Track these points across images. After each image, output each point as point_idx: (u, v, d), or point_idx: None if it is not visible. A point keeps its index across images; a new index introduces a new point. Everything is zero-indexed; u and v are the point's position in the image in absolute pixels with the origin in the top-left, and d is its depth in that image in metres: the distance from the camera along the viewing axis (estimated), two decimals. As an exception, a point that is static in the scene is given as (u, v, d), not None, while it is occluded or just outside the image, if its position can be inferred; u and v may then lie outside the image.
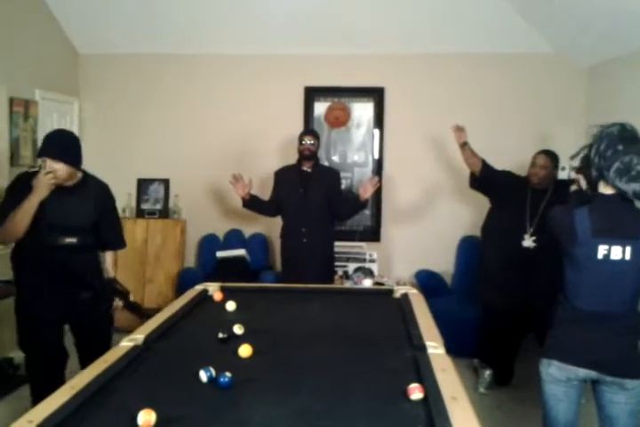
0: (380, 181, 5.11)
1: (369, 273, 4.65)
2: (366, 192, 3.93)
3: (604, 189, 2.14)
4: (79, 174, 2.97)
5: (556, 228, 2.21)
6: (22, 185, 2.82)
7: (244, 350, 2.15)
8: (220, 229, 5.15)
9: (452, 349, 4.13)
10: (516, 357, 4.00)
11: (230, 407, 1.74)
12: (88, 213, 2.96)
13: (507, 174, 4.04)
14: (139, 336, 2.27)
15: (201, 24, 4.87)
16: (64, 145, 2.87)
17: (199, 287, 3.12)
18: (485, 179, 4.03)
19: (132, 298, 3.26)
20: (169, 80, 5.23)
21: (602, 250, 2.09)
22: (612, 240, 2.09)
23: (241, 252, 4.86)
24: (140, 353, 2.13)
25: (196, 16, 4.81)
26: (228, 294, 2.98)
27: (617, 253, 2.08)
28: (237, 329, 2.39)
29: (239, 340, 2.27)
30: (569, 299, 2.20)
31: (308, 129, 4.72)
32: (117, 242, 3.22)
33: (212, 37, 4.99)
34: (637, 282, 2.13)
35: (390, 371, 2.04)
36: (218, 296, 2.94)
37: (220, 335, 2.32)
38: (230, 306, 2.77)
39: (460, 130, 4.04)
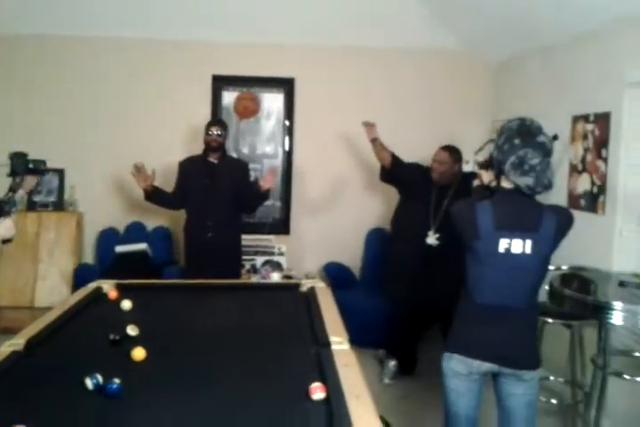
0: (290, 172, 5.10)
1: (277, 266, 4.57)
2: (267, 182, 3.83)
3: (505, 184, 2.16)
4: None
5: (458, 222, 2.20)
6: None
7: (137, 353, 2.03)
8: (121, 222, 4.88)
9: (359, 340, 4.12)
10: (419, 346, 4.05)
11: (118, 418, 1.60)
12: None
13: (415, 168, 4.09)
14: (19, 341, 2.08)
15: (103, 4, 4.57)
16: None
17: (93, 285, 2.94)
18: (395, 172, 4.08)
19: None
20: (68, 64, 4.89)
21: (503, 244, 2.10)
22: (513, 234, 2.09)
23: (142, 246, 4.62)
24: (19, 360, 1.94)
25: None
26: (125, 291, 2.83)
27: (518, 246, 2.09)
28: (131, 330, 2.25)
29: (133, 342, 2.13)
30: (470, 294, 2.20)
31: (216, 119, 4.53)
32: None
33: (116, 19, 4.69)
34: (537, 276, 2.16)
35: (294, 369, 1.99)
36: (113, 294, 2.78)
37: (112, 337, 2.16)
38: (126, 305, 2.62)
39: (370, 126, 4.06)
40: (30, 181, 2.53)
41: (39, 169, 2.72)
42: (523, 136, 2.09)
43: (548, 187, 2.09)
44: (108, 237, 4.81)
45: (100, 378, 1.77)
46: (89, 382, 1.75)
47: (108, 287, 2.88)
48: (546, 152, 2.09)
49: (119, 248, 4.64)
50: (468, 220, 2.14)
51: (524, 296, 2.15)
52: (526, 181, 2.06)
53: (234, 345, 2.23)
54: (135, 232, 4.85)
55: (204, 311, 2.68)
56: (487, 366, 2.16)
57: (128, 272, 4.10)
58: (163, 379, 1.89)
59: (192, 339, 2.29)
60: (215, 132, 3.92)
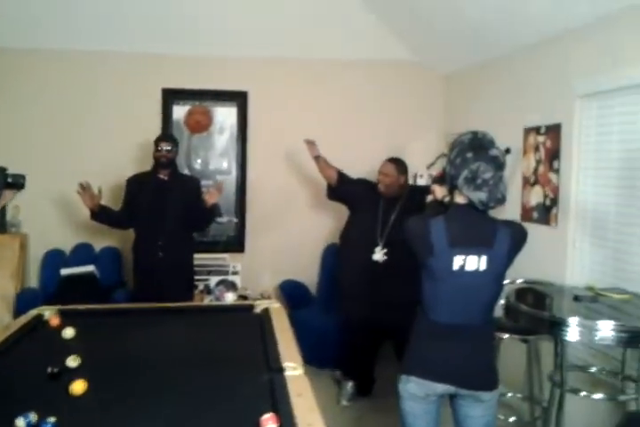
0: (245, 189, 5.00)
1: (232, 286, 4.45)
2: (211, 197, 3.73)
3: (459, 199, 2.12)
4: None
5: (412, 239, 2.15)
6: None
7: (77, 387, 1.91)
8: (67, 243, 4.68)
9: (315, 361, 4.12)
10: (375, 366, 3.98)
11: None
12: None
13: (362, 183, 4.05)
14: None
15: (49, 16, 4.42)
16: None
17: (33, 312, 2.79)
18: (341, 189, 4.02)
19: None
20: (12, 77, 4.67)
21: (458, 261, 2.06)
22: (468, 250, 2.06)
23: (89, 268, 4.44)
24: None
25: (48, 7, 4.35)
26: (69, 318, 2.69)
27: (472, 263, 2.06)
28: (72, 361, 2.13)
29: (73, 374, 2.01)
30: (426, 312, 2.15)
31: (165, 134, 4.40)
32: None
33: (63, 32, 4.54)
34: (493, 292, 2.13)
35: (245, 398, 1.91)
36: (54, 322, 2.64)
37: (50, 370, 2.03)
38: (68, 333, 2.49)
39: (310, 143, 4.02)
40: (8, 195, 2.43)
41: (18, 183, 2.61)
42: (475, 150, 2.06)
43: (501, 201, 2.06)
44: (53, 259, 4.60)
45: (33, 417, 1.64)
46: (21, 422, 1.63)
47: (50, 314, 2.73)
48: (498, 166, 2.07)
49: (65, 271, 4.44)
50: (422, 236, 2.09)
51: (481, 313, 2.11)
52: (479, 195, 2.02)
53: (182, 374, 2.13)
54: (82, 253, 4.65)
55: (152, 337, 2.56)
56: (444, 387, 2.10)
57: (75, 296, 3.91)
58: (103, 415, 1.77)
59: (137, 368, 2.17)
60: (165, 148, 3.81)
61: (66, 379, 1.95)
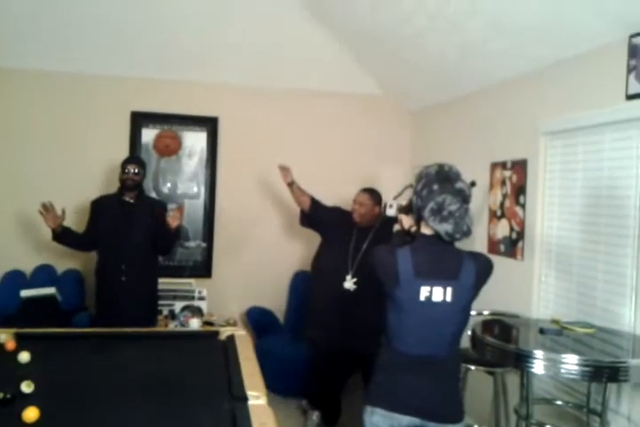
0: (213, 214, 4.96)
1: (197, 312, 4.35)
2: (173, 220, 3.68)
3: (425, 230, 2.13)
4: None
5: (378, 268, 2.14)
6: None
7: (29, 414, 1.84)
8: (28, 264, 4.55)
9: (281, 389, 4.06)
10: (342, 395, 3.93)
11: None
12: None
13: (335, 210, 4.05)
14: None
15: (15, 35, 4.37)
16: None
17: (-12, 335, 2.66)
18: (314, 216, 4.02)
19: None
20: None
21: (424, 291, 2.06)
22: (434, 282, 2.06)
23: (50, 290, 4.29)
24: None
25: (16, 28, 4.31)
26: (25, 341, 2.61)
27: (438, 294, 2.05)
28: (25, 387, 2.05)
29: (26, 400, 1.94)
30: (391, 342, 2.13)
31: (132, 157, 4.34)
32: None
33: (30, 51, 4.49)
34: (459, 324, 2.12)
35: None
36: (10, 345, 2.56)
37: (2, 395, 1.96)
38: (24, 357, 2.41)
39: (285, 169, 3.99)
40: None
41: None
42: (441, 182, 2.08)
43: (467, 233, 2.07)
44: (12, 281, 4.44)
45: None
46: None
47: (6, 337, 2.63)
48: (464, 198, 2.09)
49: (25, 292, 4.29)
50: (389, 266, 2.09)
51: (446, 345, 2.10)
52: (445, 227, 2.04)
53: (140, 402, 2.06)
54: (43, 275, 4.51)
55: (110, 364, 2.48)
56: (409, 419, 2.07)
57: (34, 319, 3.82)
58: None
59: (94, 395, 2.10)
60: (132, 171, 3.75)
61: (19, 405, 1.88)
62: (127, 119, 4.79)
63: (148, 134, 4.84)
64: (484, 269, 2.12)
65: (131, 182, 3.75)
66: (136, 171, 3.77)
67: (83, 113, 4.72)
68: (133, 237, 3.70)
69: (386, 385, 2.13)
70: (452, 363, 2.14)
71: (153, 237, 3.74)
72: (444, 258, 2.10)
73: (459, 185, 2.09)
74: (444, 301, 2.05)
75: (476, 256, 2.16)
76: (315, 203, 4.02)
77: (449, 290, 2.05)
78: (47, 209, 3.57)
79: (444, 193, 2.05)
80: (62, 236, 3.67)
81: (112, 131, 4.75)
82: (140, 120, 4.84)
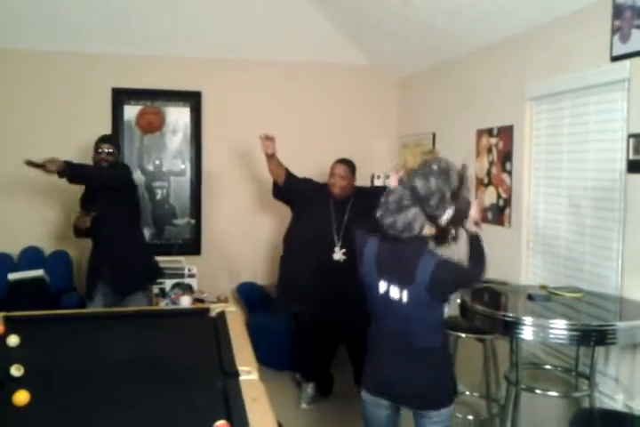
0: (200, 190, 4.91)
1: (188, 289, 4.35)
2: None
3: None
4: None
5: (355, 248, 2.24)
6: None
7: (20, 397, 1.83)
8: (14, 246, 4.50)
9: (275, 363, 4.09)
10: (332, 365, 3.96)
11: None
12: None
13: (308, 182, 3.96)
14: None
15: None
16: None
17: (-25, 319, 2.64)
18: (289, 188, 3.91)
19: None
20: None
21: (382, 286, 2.10)
22: (390, 279, 2.09)
23: (38, 272, 4.27)
24: None
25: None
26: (14, 325, 2.58)
27: (395, 293, 2.08)
28: (15, 371, 2.03)
29: (16, 384, 1.92)
30: (375, 320, 2.19)
31: (105, 136, 4.00)
32: None
33: (9, 30, 4.39)
34: (422, 321, 2.10)
35: (198, 404, 1.85)
36: (-2, 329, 2.51)
37: (-10, 380, 1.94)
38: (12, 340, 2.38)
39: (269, 139, 3.82)
40: None
41: None
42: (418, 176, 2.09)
43: (402, 231, 2.03)
44: (-1, 264, 4.43)
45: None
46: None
47: (-6, 321, 2.61)
48: (417, 196, 2.06)
49: (12, 275, 4.27)
50: (359, 250, 2.18)
51: (417, 336, 2.09)
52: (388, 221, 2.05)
53: (133, 381, 2.06)
54: (31, 257, 4.49)
55: (101, 344, 2.47)
56: (387, 403, 2.14)
57: (23, 302, 3.81)
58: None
59: (84, 378, 2.09)
60: (105, 150, 3.61)
61: (9, 389, 1.87)
62: (109, 96, 4.71)
63: (131, 111, 4.76)
64: (442, 276, 2.02)
65: (104, 163, 3.59)
66: (110, 150, 3.61)
67: (63, 91, 4.65)
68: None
69: (368, 368, 2.21)
70: (429, 353, 2.10)
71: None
72: (403, 257, 2.07)
73: (416, 183, 2.04)
74: (401, 300, 2.06)
75: (437, 263, 2.03)
76: (289, 175, 3.90)
77: (405, 292, 2.05)
78: (33, 162, 3.26)
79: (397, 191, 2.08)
80: (72, 171, 3.31)
81: (94, 108, 4.68)
82: (121, 97, 4.76)
